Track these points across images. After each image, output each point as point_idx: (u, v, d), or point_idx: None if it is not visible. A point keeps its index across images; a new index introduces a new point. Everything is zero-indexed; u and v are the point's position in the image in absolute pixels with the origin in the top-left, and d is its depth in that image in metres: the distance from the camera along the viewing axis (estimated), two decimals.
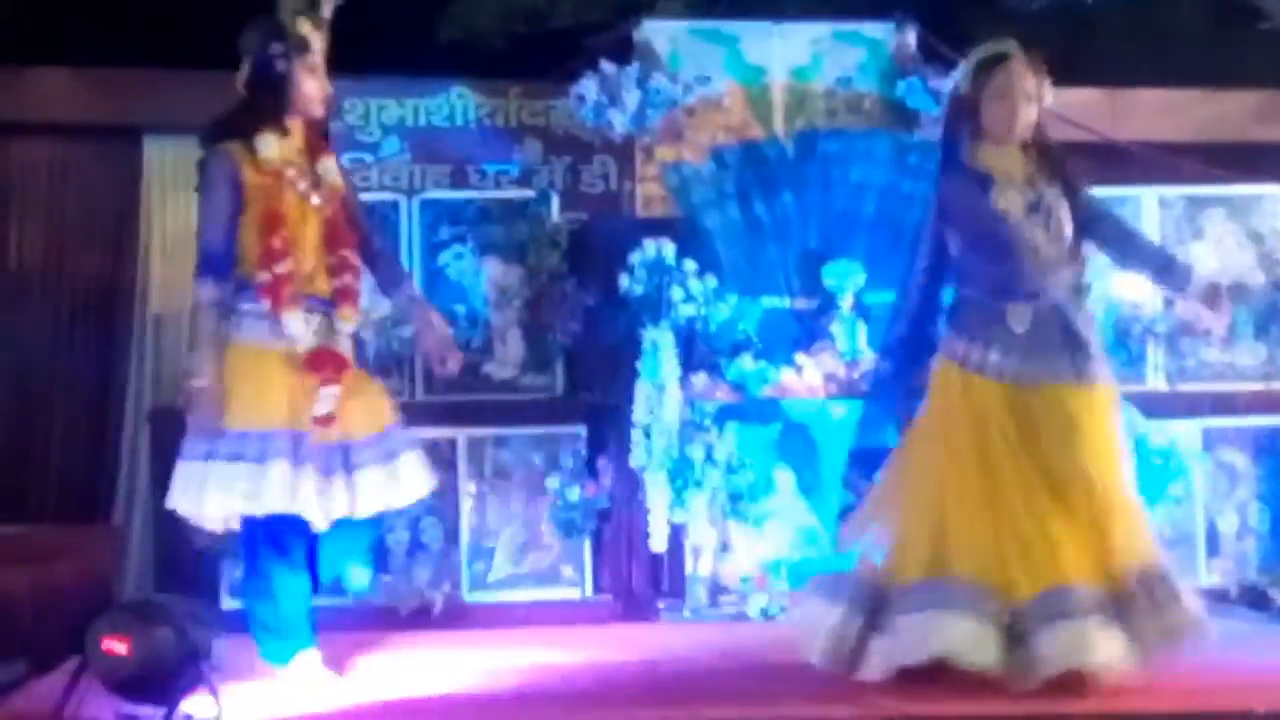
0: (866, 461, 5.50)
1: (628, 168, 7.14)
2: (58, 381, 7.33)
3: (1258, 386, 6.67)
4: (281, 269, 4.55)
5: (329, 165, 4.79)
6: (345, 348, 4.72)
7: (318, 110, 4.81)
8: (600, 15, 8.78)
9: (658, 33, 7.14)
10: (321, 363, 4.58)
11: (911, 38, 7.20)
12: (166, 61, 7.48)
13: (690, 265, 6.36)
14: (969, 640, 4.20)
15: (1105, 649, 4.13)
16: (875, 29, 7.20)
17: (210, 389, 4.49)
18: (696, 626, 5.98)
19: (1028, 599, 4.24)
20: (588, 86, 6.86)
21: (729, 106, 6.96)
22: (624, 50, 7.09)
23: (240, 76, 4.74)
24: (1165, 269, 4.75)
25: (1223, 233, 6.80)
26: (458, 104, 7.51)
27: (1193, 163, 7.12)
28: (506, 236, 6.69)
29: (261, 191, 4.60)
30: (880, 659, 4.33)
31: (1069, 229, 4.57)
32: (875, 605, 4.44)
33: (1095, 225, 4.67)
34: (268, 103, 4.72)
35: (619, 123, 6.83)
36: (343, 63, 7.39)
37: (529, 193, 7.02)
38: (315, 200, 4.69)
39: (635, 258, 6.34)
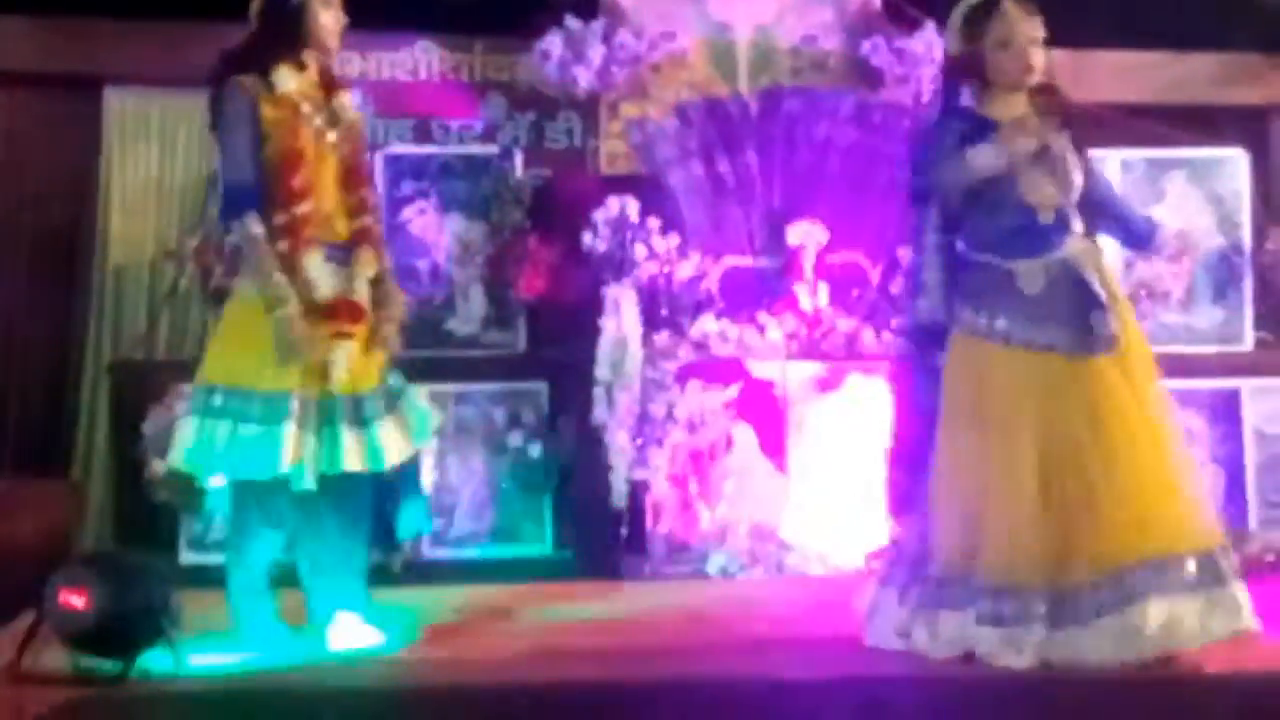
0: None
1: (592, 124, 7.13)
2: (15, 335, 7.28)
3: (1214, 349, 6.71)
4: (302, 209, 4.38)
5: (345, 101, 4.63)
6: (363, 295, 4.55)
7: (333, 43, 4.63)
8: None
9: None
10: (338, 312, 4.43)
11: None
12: (128, 11, 7.41)
13: (654, 223, 6.36)
14: (999, 645, 4.05)
15: (1194, 625, 3.97)
16: None
17: (296, 312, 4.31)
18: (656, 583, 6.00)
19: (1087, 580, 4.05)
20: (553, 42, 6.84)
21: (693, 63, 6.95)
22: (589, 6, 7.06)
23: (253, 7, 4.58)
24: (1141, 235, 4.61)
25: (1183, 195, 6.83)
26: (421, 58, 7.49)
27: (1154, 125, 7.14)
28: (470, 192, 6.69)
29: (279, 128, 4.40)
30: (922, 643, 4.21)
31: (1079, 178, 4.36)
32: (914, 585, 4.31)
33: (1088, 180, 4.44)
34: (284, 35, 4.53)
35: (583, 79, 6.81)
36: None
37: (493, 149, 7.03)
38: (332, 138, 4.53)
39: (599, 215, 6.33)
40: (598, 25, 6.86)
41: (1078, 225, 4.35)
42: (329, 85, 4.61)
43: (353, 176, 4.59)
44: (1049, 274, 4.25)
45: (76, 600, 3.72)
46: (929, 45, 6.77)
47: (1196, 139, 7.14)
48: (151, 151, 7.32)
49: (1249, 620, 4.04)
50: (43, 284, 7.33)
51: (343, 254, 4.51)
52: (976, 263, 4.36)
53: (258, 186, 4.39)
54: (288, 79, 4.46)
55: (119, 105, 7.36)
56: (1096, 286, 4.26)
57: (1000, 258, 4.29)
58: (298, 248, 4.37)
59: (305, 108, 4.47)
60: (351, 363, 4.44)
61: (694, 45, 6.98)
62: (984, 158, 4.20)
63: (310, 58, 4.55)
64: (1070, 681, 3.90)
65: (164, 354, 6.97)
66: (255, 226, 4.33)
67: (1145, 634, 3.94)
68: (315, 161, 4.47)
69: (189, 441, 4.37)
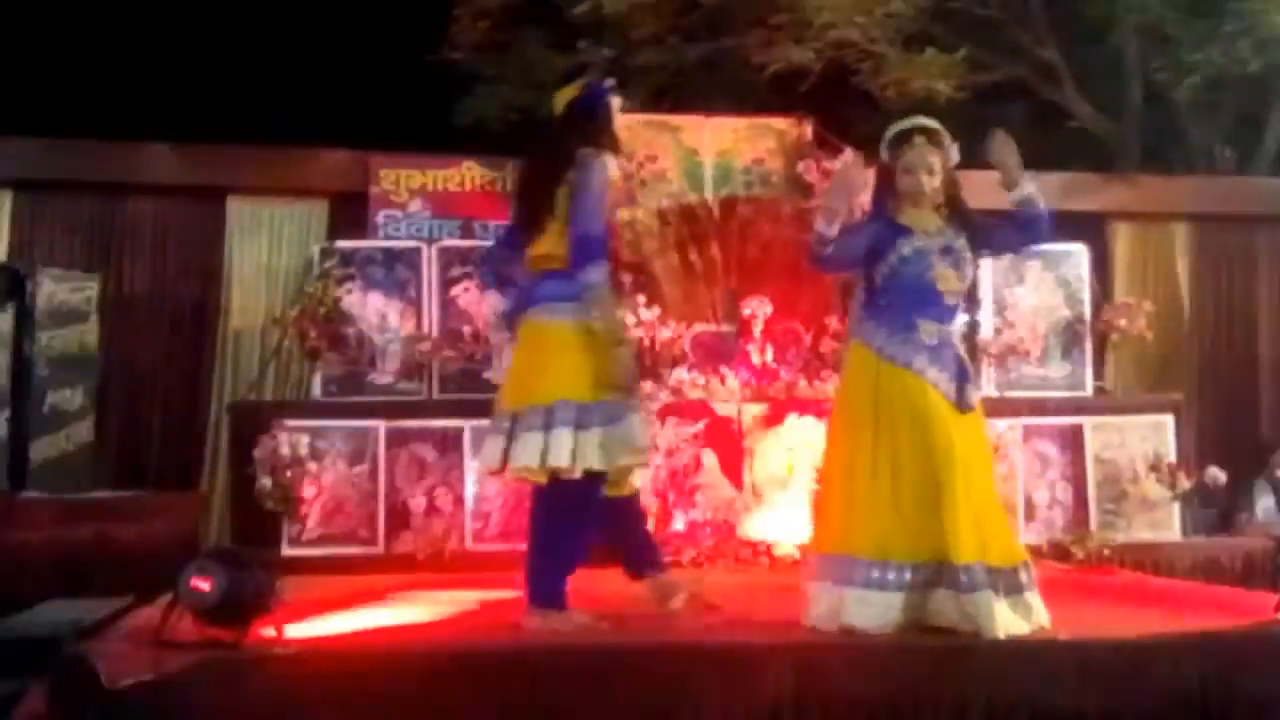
0: None
1: None
2: (159, 381, 7.29)
3: (1063, 394, 6.73)
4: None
5: None
6: None
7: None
8: None
9: (619, 122, 7.12)
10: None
11: (808, 129, 7.22)
12: (244, 138, 7.47)
13: (641, 298, 6.37)
14: (870, 614, 3.90)
15: (1001, 619, 3.83)
16: (781, 123, 7.21)
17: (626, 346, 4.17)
18: None
19: (929, 563, 3.90)
20: None
21: (671, 178, 6.95)
22: None
23: (577, 104, 4.30)
24: (1028, 220, 4.28)
25: (1039, 279, 6.87)
26: (467, 174, 7.49)
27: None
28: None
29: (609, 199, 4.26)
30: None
31: (971, 271, 4.19)
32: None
33: (990, 233, 4.25)
34: (608, 129, 4.31)
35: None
36: (379, 141, 7.49)
37: None
38: None
39: None
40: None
41: (960, 314, 4.25)
42: None
43: None
44: (941, 337, 4.11)
45: (204, 584, 3.69)
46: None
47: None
48: (262, 243, 7.32)
49: (1044, 619, 3.98)
50: (181, 344, 7.33)
51: None
52: (893, 305, 4.13)
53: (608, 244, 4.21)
54: (614, 165, 4.28)
55: (238, 209, 7.38)
56: (968, 364, 4.15)
57: (907, 316, 4.10)
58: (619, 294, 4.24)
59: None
60: None
61: (671, 165, 6.99)
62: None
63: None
64: (937, 647, 3.78)
65: (271, 397, 6.95)
66: (607, 273, 4.14)
67: (977, 619, 3.82)
68: None
69: (569, 445, 4.04)
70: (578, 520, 4.20)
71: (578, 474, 4.08)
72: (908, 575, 3.92)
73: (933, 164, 4.15)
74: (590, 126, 4.27)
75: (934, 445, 3.95)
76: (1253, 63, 8.24)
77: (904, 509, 3.95)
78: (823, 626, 3.95)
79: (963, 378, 4.08)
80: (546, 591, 4.16)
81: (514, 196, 4.53)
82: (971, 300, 4.32)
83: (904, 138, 4.18)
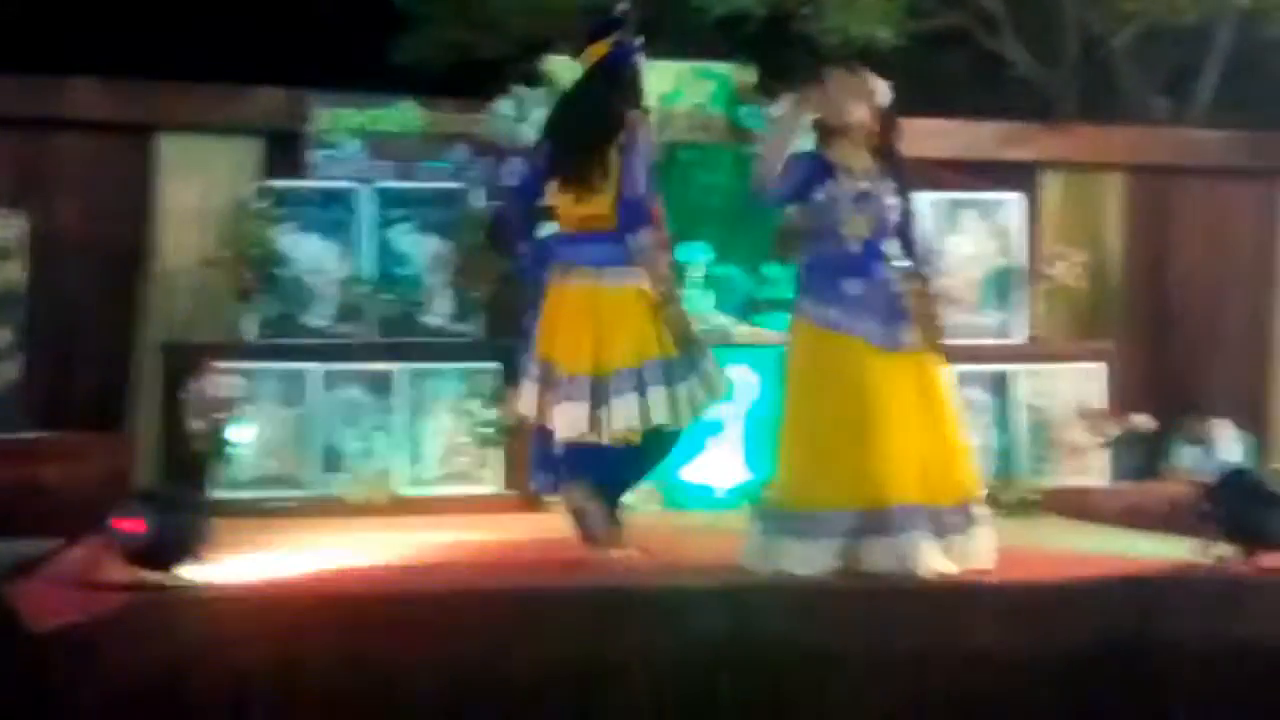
0: None
1: None
2: (88, 322, 7.13)
3: (993, 341, 6.80)
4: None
5: None
6: None
7: None
8: (515, 50, 8.69)
9: (560, 65, 7.04)
10: None
11: (750, 75, 7.18)
12: (175, 75, 7.30)
13: None
14: (800, 560, 4.01)
15: (931, 560, 3.96)
16: (723, 68, 7.16)
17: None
18: None
19: (864, 509, 4.01)
20: (505, 104, 6.77)
21: None
22: (533, 77, 7.00)
23: (608, 62, 4.40)
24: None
25: (975, 228, 6.92)
26: (405, 115, 7.36)
27: (954, 175, 7.21)
28: (442, 218, 6.63)
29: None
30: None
31: (893, 217, 4.24)
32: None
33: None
34: (641, 88, 4.45)
35: (528, 133, 6.73)
36: (315, 80, 7.34)
37: (459, 185, 6.95)
38: None
39: (539, 234, 6.27)
40: (540, 92, 6.79)
41: (892, 253, 4.25)
42: None
43: None
44: (868, 287, 4.18)
45: (134, 526, 3.65)
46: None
47: (984, 186, 7.21)
48: (194, 182, 7.16)
49: (984, 560, 4.07)
50: (111, 283, 7.17)
51: None
52: (815, 266, 4.29)
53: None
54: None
55: (169, 147, 7.21)
56: (901, 303, 4.19)
57: (832, 269, 4.22)
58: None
59: None
60: None
61: None
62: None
63: None
64: (863, 590, 3.85)
65: (203, 339, 6.84)
66: (653, 235, 4.30)
67: (910, 560, 3.93)
68: None
69: (665, 402, 4.24)
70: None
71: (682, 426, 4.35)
72: (841, 523, 4.01)
73: (857, 90, 4.25)
74: (629, 86, 4.39)
75: (859, 394, 4.07)
76: (1189, 13, 8.28)
77: (835, 460, 4.05)
78: (755, 569, 4.04)
79: (893, 319, 4.15)
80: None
81: (546, 153, 4.52)
82: (908, 246, 4.37)
83: (827, 72, 4.32)
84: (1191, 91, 9.11)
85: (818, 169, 4.24)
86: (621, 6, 4.58)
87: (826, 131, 4.30)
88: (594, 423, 4.21)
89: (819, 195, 4.20)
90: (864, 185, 4.22)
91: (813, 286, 4.25)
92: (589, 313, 4.28)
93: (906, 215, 4.33)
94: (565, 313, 4.33)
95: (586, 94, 4.42)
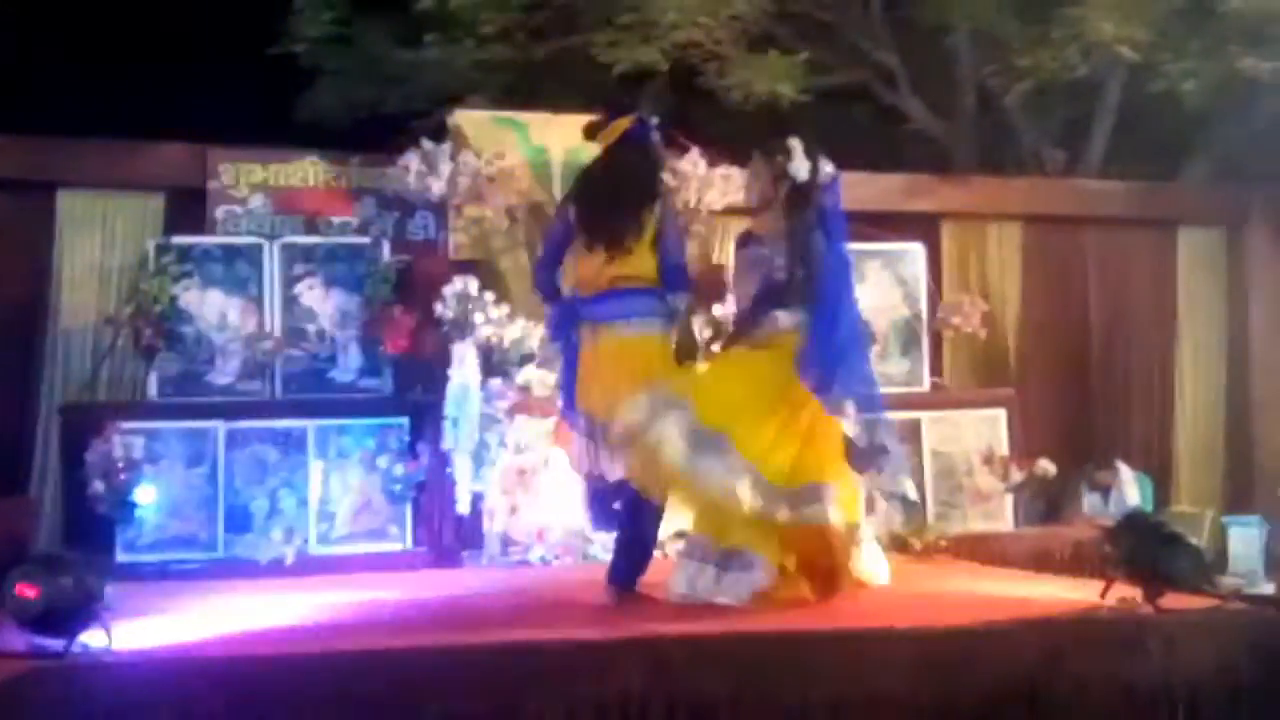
0: None
1: (442, 221, 7.04)
2: None
3: (901, 389, 6.89)
4: None
5: None
6: None
7: None
8: (422, 105, 8.71)
9: (466, 119, 7.08)
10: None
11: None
12: (75, 131, 7.18)
13: (489, 296, 6.33)
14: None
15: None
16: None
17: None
18: (491, 570, 5.94)
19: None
20: (411, 159, 6.75)
21: (519, 176, 6.90)
22: (440, 132, 7.01)
23: (632, 136, 4.76)
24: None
25: (878, 278, 7.03)
26: (310, 169, 7.31)
27: (859, 226, 7.32)
28: (348, 272, 6.62)
29: None
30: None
31: (779, 277, 4.60)
32: None
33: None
34: (661, 157, 5.03)
35: (435, 187, 6.73)
36: (218, 135, 7.27)
37: (365, 240, 6.91)
38: None
39: (448, 290, 6.29)
40: (446, 147, 6.79)
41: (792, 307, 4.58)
42: None
43: None
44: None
45: (28, 591, 3.55)
46: (694, 164, 6.86)
47: (887, 237, 7.33)
48: (94, 239, 7.02)
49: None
50: (9, 343, 6.98)
51: None
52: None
53: None
54: None
55: (69, 204, 7.06)
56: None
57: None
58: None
59: None
60: None
61: (520, 163, 6.94)
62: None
63: None
64: (778, 637, 3.90)
65: (104, 398, 6.69)
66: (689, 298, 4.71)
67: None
68: None
69: None
70: None
71: None
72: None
73: (758, 174, 4.74)
74: (657, 157, 4.87)
75: None
76: (1080, 68, 8.53)
77: None
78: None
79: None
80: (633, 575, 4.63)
81: (570, 220, 4.79)
82: (815, 298, 4.56)
83: (754, 156, 4.79)
84: (1085, 144, 9.38)
85: (747, 246, 4.78)
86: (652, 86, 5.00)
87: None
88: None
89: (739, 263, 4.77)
90: (768, 247, 4.64)
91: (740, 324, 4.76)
92: (623, 362, 4.56)
93: (792, 274, 4.60)
94: (602, 366, 4.60)
95: (619, 164, 4.73)
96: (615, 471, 4.54)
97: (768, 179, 4.70)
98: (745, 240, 4.81)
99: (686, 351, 4.67)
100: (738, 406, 4.42)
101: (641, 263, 4.60)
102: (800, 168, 4.64)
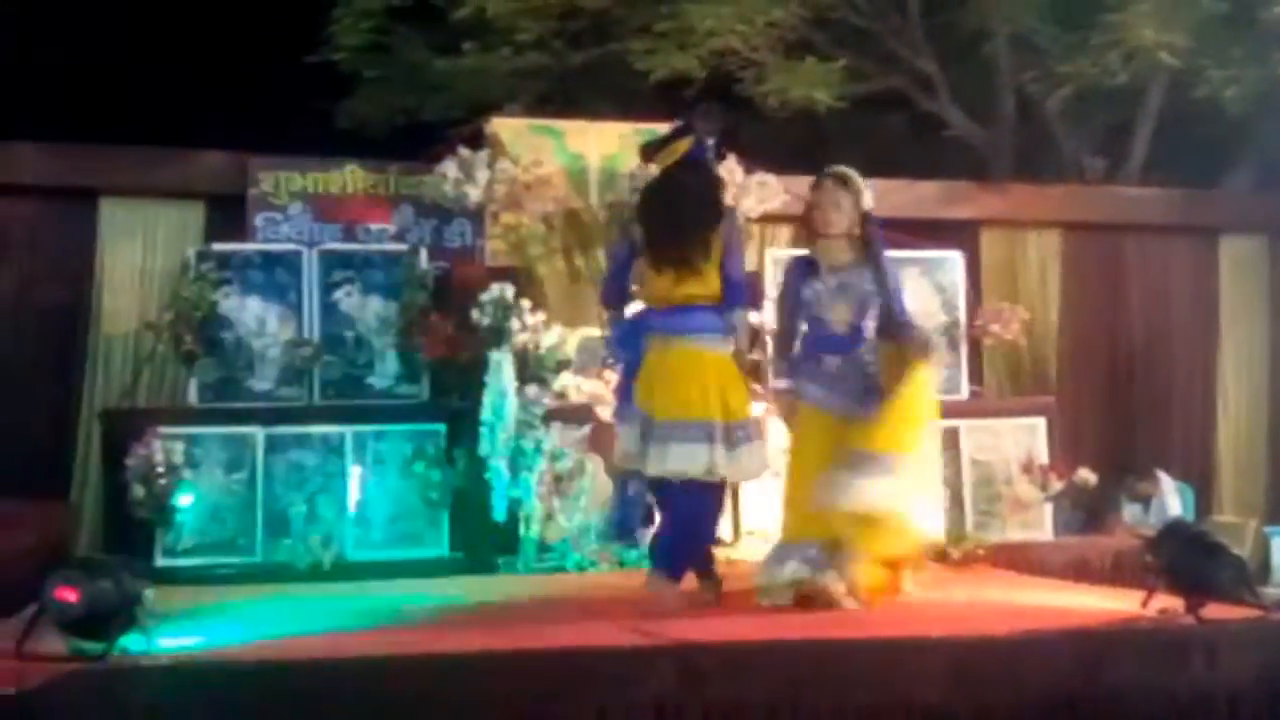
0: None
1: (479, 228, 7.08)
2: (27, 387, 7.02)
3: (941, 398, 6.82)
4: None
5: None
6: None
7: None
8: (460, 113, 8.75)
9: (503, 127, 7.10)
10: None
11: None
12: (116, 139, 7.26)
13: (526, 303, 6.33)
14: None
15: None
16: (665, 128, 7.20)
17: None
18: (527, 577, 5.94)
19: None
20: (449, 166, 6.78)
21: (556, 183, 6.91)
22: (477, 139, 7.04)
23: (691, 157, 4.86)
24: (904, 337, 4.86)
25: (917, 285, 6.98)
26: (349, 177, 7.37)
27: (896, 234, 7.30)
28: (386, 279, 6.64)
29: None
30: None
31: (874, 302, 4.73)
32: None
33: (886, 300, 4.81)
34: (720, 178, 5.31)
35: (473, 194, 6.76)
36: (258, 143, 7.34)
37: (403, 247, 6.95)
38: None
39: (484, 297, 6.30)
40: (483, 154, 6.82)
41: (869, 335, 4.73)
42: None
43: None
44: (844, 363, 4.74)
45: (69, 595, 3.58)
46: (730, 172, 6.85)
47: (926, 244, 7.30)
48: (136, 246, 7.11)
49: None
50: (52, 348, 7.09)
51: None
52: (807, 354, 4.85)
53: None
54: None
55: (110, 211, 7.15)
56: (874, 379, 4.71)
57: (814, 349, 4.80)
58: None
59: None
60: None
61: (557, 170, 6.96)
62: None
63: None
64: (813, 647, 3.87)
65: (144, 403, 6.76)
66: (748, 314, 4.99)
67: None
68: None
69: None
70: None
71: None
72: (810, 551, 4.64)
73: (839, 202, 4.75)
74: (717, 178, 5.07)
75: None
76: (1121, 74, 8.48)
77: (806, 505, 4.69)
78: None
79: (867, 400, 4.66)
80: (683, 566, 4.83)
81: (637, 239, 4.91)
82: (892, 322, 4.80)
83: (819, 180, 4.81)
84: (1125, 151, 9.31)
85: (799, 276, 4.83)
86: (702, 109, 5.11)
87: (812, 233, 4.84)
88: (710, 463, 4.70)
89: (802, 297, 4.79)
90: (844, 277, 4.75)
91: (800, 362, 4.88)
92: (694, 373, 4.73)
93: (885, 296, 4.78)
94: (671, 373, 4.74)
95: (684, 187, 4.83)
96: (658, 467, 4.68)
97: (851, 207, 4.76)
98: (807, 268, 4.83)
99: (745, 366, 4.91)
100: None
101: (710, 281, 4.77)
102: (870, 196, 4.80)
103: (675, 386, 4.69)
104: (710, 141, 4.96)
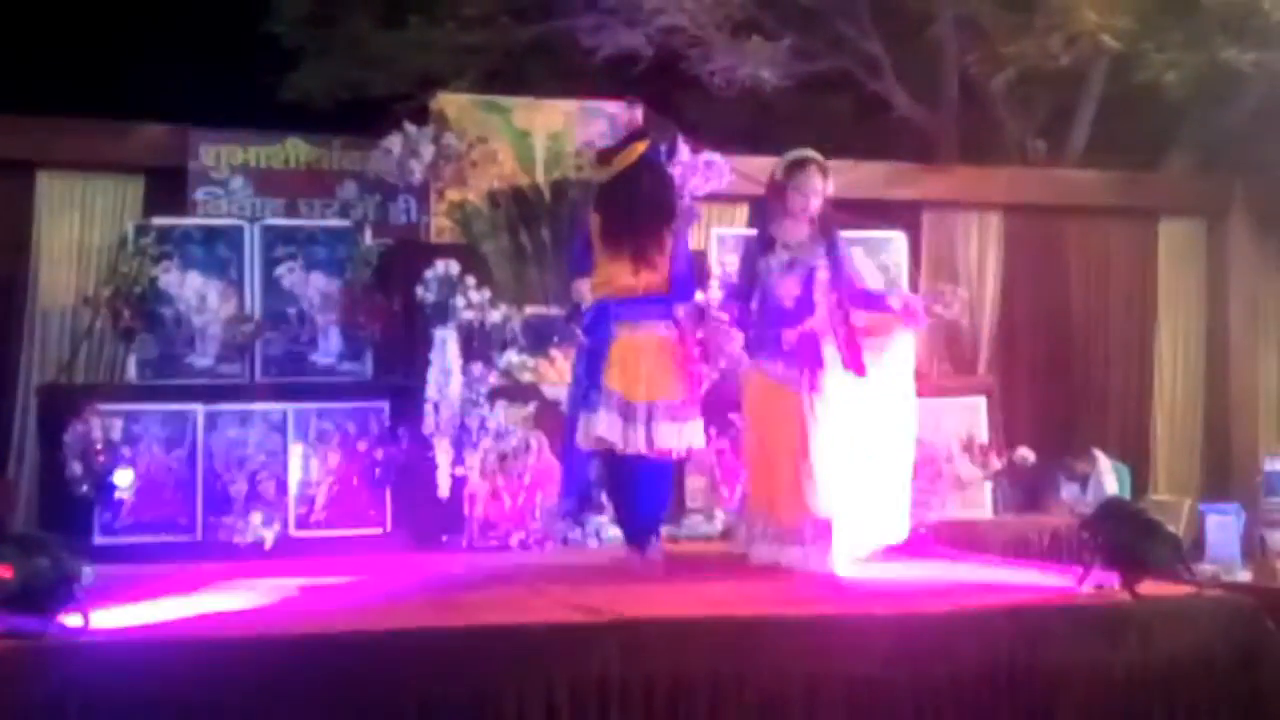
0: None
1: (424, 205, 7.02)
2: None
3: None
4: None
5: None
6: None
7: None
8: (405, 88, 8.66)
9: (449, 103, 7.04)
10: None
11: (638, 113, 7.20)
12: (55, 110, 7.12)
13: (471, 280, 6.30)
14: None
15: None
16: (612, 106, 7.19)
17: None
18: (470, 554, 5.93)
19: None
20: (394, 142, 6.71)
21: (502, 160, 6.88)
22: (423, 115, 6.98)
23: (648, 158, 5.23)
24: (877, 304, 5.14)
25: (861, 264, 6.99)
26: (292, 151, 7.29)
27: (841, 214, 7.32)
28: (329, 255, 6.58)
29: None
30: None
31: (824, 281, 4.98)
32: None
33: (839, 275, 5.06)
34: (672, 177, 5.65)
35: (417, 170, 6.70)
36: (199, 116, 7.23)
37: (347, 223, 6.89)
38: None
39: (429, 274, 6.26)
40: (429, 130, 6.76)
41: (821, 310, 4.96)
42: None
43: None
44: (793, 336, 4.97)
45: (4, 572, 3.52)
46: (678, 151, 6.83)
47: (870, 224, 7.33)
48: (73, 219, 6.99)
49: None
50: None
51: None
52: (761, 326, 5.10)
53: None
54: None
55: (48, 184, 7.02)
56: (824, 352, 4.94)
57: (769, 326, 5.05)
58: None
59: None
60: None
61: (503, 146, 6.91)
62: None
63: None
64: (751, 621, 3.91)
65: (83, 379, 6.66)
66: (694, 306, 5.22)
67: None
68: None
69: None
70: None
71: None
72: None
73: (819, 188, 5.06)
74: (670, 178, 5.45)
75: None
76: (1063, 57, 8.54)
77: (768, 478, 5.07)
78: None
79: (814, 368, 4.92)
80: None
81: (602, 233, 5.19)
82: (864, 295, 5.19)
83: (801, 164, 5.07)
84: (1067, 133, 9.40)
85: (757, 252, 5.14)
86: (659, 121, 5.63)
87: (779, 207, 5.08)
88: (648, 440, 5.01)
89: (759, 273, 5.08)
90: (797, 254, 5.01)
91: (757, 335, 5.09)
92: (659, 357, 5.08)
93: (836, 270, 5.04)
94: (640, 357, 5.05)
95: (641, 186, 5.17)
96: (634, 444, 4.98)
97: (824, 192, 5.05)
98: (768, 245, 5.09)
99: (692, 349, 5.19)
100: None
101: (663, 273, 5.12)
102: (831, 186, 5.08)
103: (650, 369, 5.02)
104: (666, 144, 5.38)
